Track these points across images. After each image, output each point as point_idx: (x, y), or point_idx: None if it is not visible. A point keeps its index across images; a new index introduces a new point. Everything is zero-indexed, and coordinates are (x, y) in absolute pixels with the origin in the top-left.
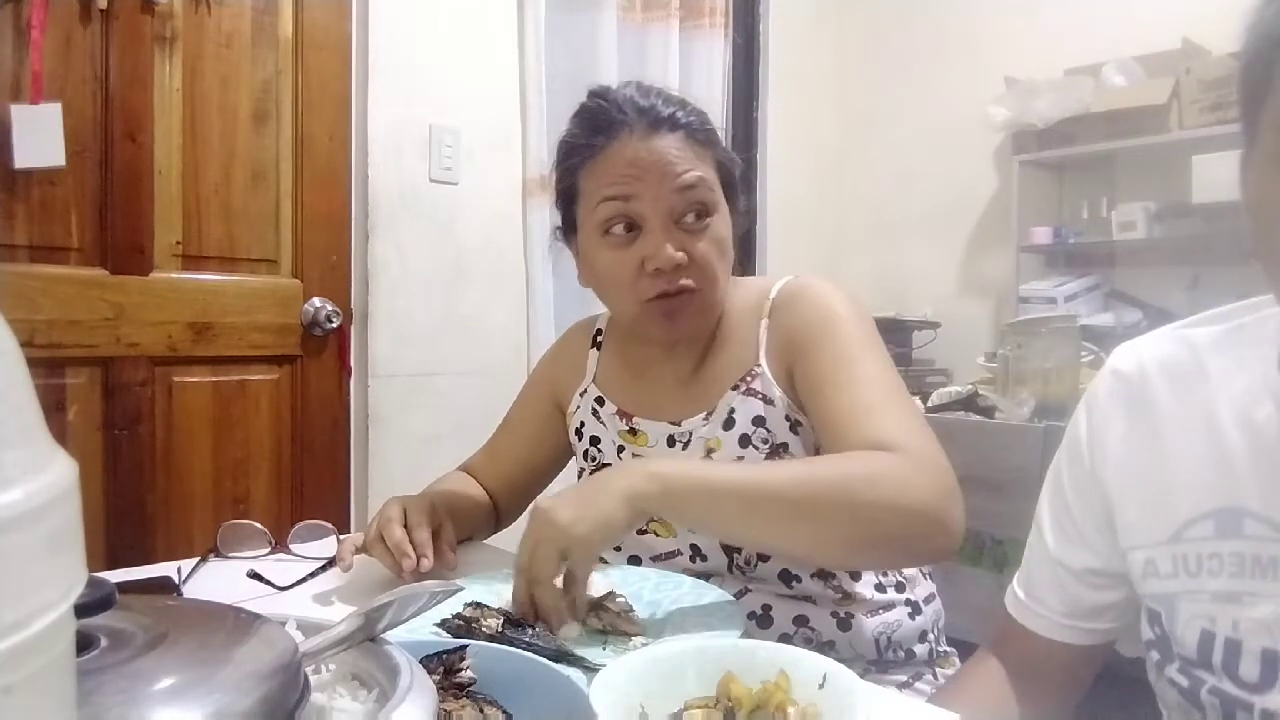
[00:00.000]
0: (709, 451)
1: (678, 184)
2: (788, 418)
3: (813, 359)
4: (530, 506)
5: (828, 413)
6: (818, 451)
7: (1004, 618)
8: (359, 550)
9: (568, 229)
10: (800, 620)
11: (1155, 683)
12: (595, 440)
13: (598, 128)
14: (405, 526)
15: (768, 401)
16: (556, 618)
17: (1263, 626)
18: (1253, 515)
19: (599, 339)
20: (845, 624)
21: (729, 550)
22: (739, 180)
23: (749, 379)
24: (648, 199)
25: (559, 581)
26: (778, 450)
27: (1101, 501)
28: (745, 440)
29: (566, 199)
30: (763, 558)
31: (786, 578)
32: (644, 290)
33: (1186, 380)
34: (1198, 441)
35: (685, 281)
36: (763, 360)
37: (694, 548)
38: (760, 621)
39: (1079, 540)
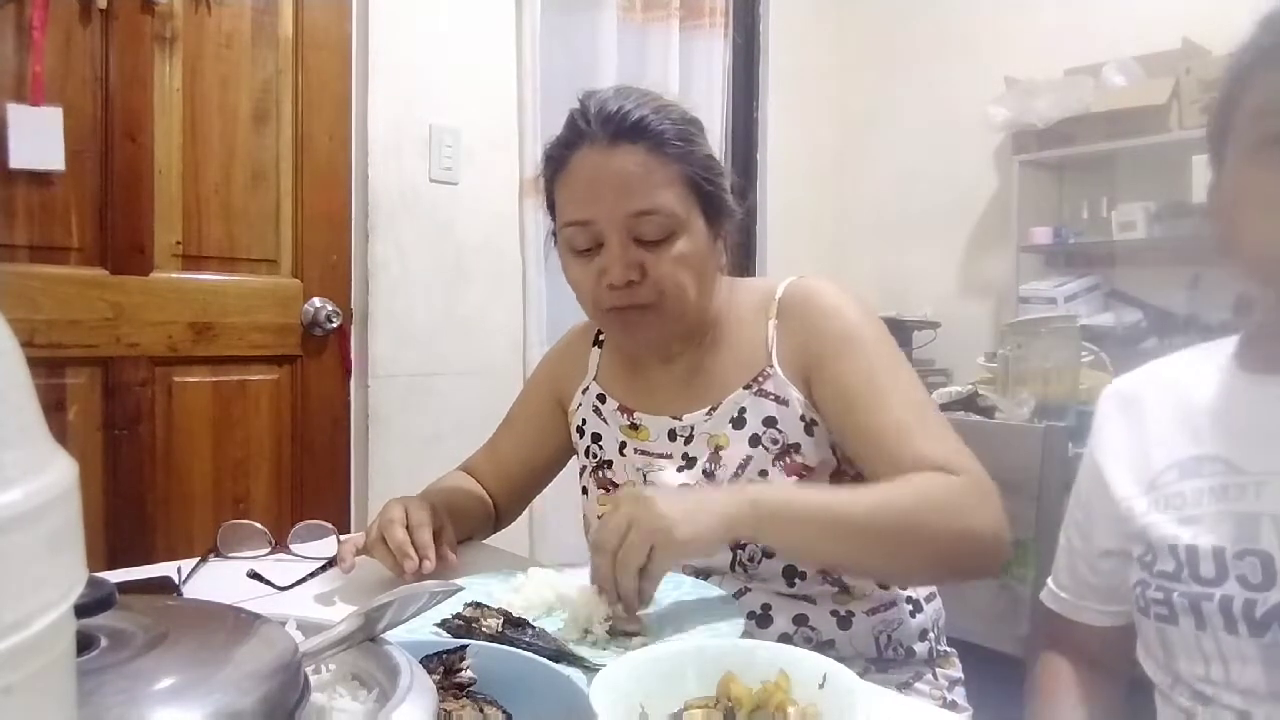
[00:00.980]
0: (716, 449)
1: (630, 209)
2: (803, 418)
3: (839, 372)
4: (625, 488)
5: (868, 431)
6: (833, 452)
7: (1044, 608)
8: (360, 551)
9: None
10: (800, 619)
11: (1140, 618)
12: (597, 437)
13: (566, 138)
14: (407, 528)
15: (781, 402)
16: (634, 603)
17: (1209, 529)
18: (1210, 459)
19: (600, 338)
20: (845, 622)
21: (733, 547)
22: (729, 184)
23: (760, 379)
24: (603, 219)
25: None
26: (788, 450)
27: (1102, 487)
28: (755, 440)
29: (550, 205)
30: (767, 554)
31: (790, 575)
32: (603, 301)
33: (1166, 383)
34: (1169, 418)
35: (641, 298)
36: (775, 362)
37: None
38: (760, 621)
39: (1086, 529)
